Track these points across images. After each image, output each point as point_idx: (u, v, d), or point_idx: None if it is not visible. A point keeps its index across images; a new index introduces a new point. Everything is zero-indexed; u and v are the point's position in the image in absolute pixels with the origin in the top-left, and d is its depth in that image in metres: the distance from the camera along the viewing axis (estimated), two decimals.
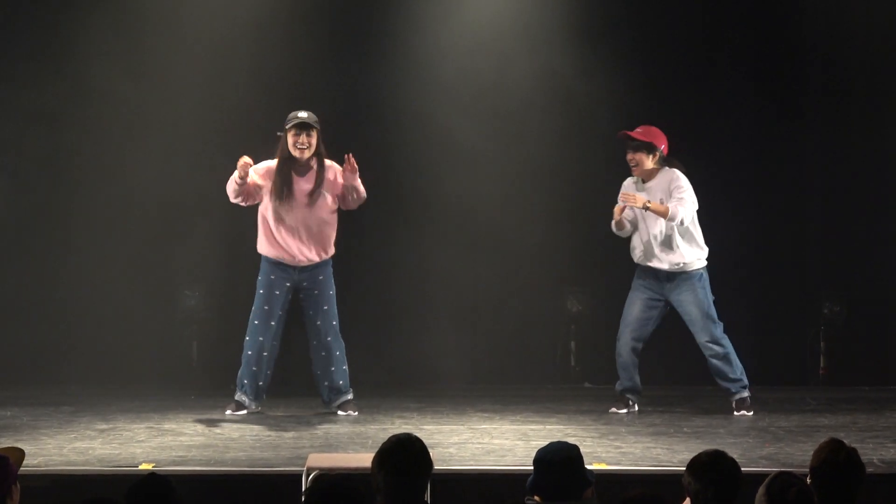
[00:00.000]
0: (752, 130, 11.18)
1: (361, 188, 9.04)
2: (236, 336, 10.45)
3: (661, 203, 9.19)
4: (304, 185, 8.99)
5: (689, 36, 11.15)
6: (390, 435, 4.77)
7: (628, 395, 9.43)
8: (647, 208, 9.16)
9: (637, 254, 9.39)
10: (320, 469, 6.24)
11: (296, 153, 8.95)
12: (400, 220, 11.01)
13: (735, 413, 9.23)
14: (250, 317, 9.09)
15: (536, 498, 4.94)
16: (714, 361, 9.33)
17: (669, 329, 10.01)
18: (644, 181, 9.36)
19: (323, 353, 9.13)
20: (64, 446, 7.73)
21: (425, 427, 8.58)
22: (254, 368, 9.09)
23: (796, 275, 11.25)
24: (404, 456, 4.65)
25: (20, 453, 4.96)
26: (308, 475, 6.29)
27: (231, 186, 8.96)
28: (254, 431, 8.42)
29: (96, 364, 10.63)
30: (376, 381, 10.50)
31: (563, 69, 10.93)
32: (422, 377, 10.80)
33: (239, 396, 9.12)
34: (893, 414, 9.28)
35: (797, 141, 11.22)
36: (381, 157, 11.04)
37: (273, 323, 9.07)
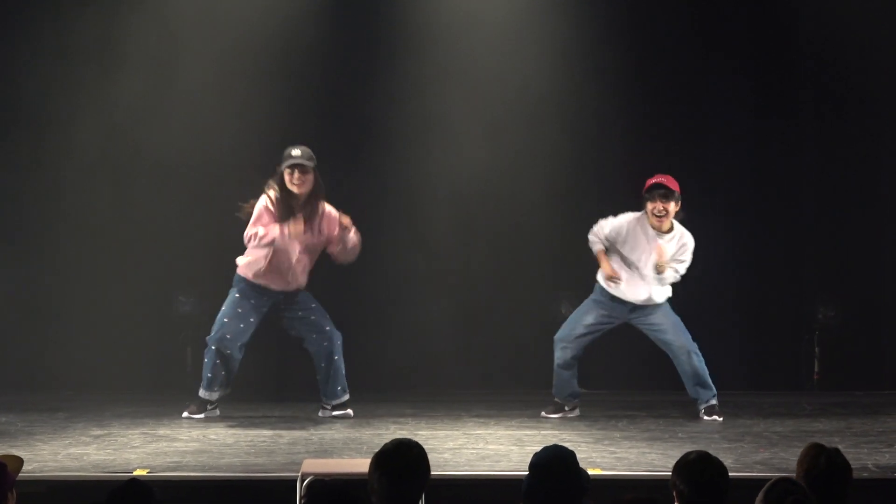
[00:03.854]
0: (746, 135, 11.18)
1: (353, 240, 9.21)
2: None
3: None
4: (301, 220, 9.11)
5: (685, 41, 11.13)
6: (386, 440, 4.80)
7: (565, 401, 9.47)
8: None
9: (621, 287, 9.36)
10: (315, 475, 6.23)
11: (293, 189, 9.06)
12: (395, 224, 11.00)
13: (707, 418, 9.24)
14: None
15: None
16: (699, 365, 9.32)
17: None
18: (660, 230, 9.32)
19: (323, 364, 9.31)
20: (59, 452, 7.73)
21: (420, 432, 8.58)
22: (217, 361, 9.23)
23: (790, 280, 11.24)
24: (402, 459, 4.69)
25: (19, 462, 4.96)
26: (303, 481, 6.28)
27: (264, 242, 9.07)
28: (248, 437, 8.42)
29: (91, 370, 10.61)
30: (372, 386, 10.49)
31: (557, 75, 10.93)
32: (417, 382, 10.79)
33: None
34: (888, 419, 9.29)
35: (791, 145, 11.21)
36: (377, 160, 11.04)
37: (242, 325, 9.18)
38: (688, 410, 9.62)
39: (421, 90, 10.91)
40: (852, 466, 5.09)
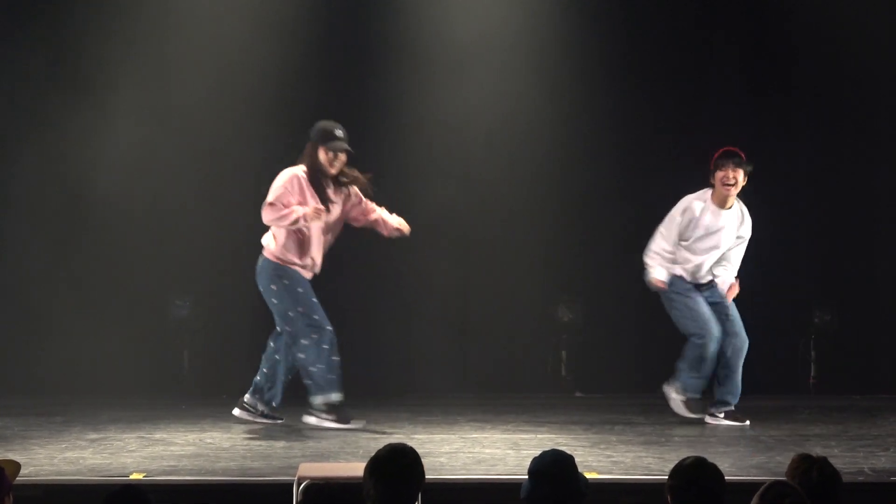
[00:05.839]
0: (742, 140, 11.17)
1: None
2: (227, 345, 10.47)
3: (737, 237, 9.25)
4: (334, 198, 8.99)
5: (682, 44, 11.15)
6: (382, 444, 4.79)
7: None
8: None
9: (702, 272, 9.26)
10: (311, 479, 6.23)
11: (332, 170, 8.93)
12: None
13: (734, 423, 9.18)
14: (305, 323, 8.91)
15: None
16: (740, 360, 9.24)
17: (661, 337, 10.01)
18: (720, 207, 9.22)
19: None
20: (55, 456, 7.72)
21: (416, 436, 8.58)
22: (333, 358, 8.93)
23: (787, 284, 11.25)
24: (396, 465, 4.68)
25: (16, 466, 4.96)
26: (299, 485, 6.28)
27: (287, 221, 8.77)
28: (245, 441, 8.42)
29: (87, 374, 10.61)
30: (368, 390, 10.50)
31: (554, 79, 10.94)
32: (413, 386, 10.80)
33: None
34: (884, 422, 9.29)
35: (788, 150, 11.23)
36: (375, 165, 11.03)
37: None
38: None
39: (418, 96, 10.92)
40: (848, 470, 5.10)
